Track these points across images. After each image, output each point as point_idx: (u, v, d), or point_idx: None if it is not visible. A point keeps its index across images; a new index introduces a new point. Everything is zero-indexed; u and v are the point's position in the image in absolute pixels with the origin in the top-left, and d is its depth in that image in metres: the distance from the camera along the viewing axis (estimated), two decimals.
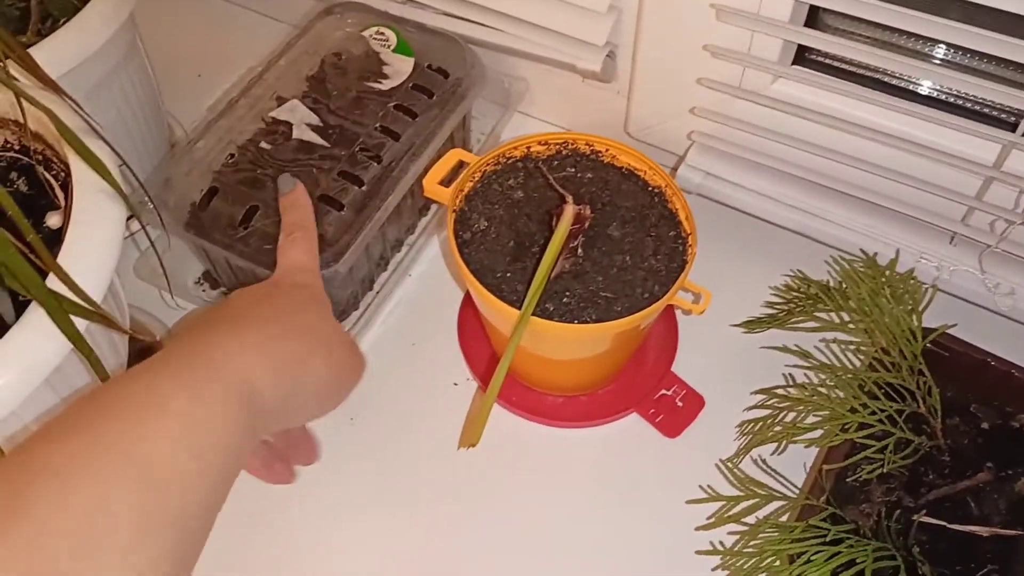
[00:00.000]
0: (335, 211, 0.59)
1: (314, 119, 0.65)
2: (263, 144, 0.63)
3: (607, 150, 0.57)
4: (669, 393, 0.61)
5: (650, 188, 0.56)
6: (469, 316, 0.65)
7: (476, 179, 0.56)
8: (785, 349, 0.56)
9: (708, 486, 0.54)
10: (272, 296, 0.44)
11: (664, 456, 0.58)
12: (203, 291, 0.67)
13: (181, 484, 0.30)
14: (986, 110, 0.59)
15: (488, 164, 0.57)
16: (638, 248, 0.53)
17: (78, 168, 0.46)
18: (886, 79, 0.60)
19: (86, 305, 0.41)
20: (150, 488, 0.29)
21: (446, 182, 0.57)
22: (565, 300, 0.51)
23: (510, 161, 0.57)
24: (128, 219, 0.53)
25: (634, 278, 0.52)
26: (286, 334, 0.39)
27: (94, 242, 0.44)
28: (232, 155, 0.63)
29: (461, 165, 0.58)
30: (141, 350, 0.64)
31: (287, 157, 0.62)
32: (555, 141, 0.58)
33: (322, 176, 0.61)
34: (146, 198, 0.57)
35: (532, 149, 0.58)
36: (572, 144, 0.58)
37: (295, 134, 0.64)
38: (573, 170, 0.57)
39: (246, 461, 0.38)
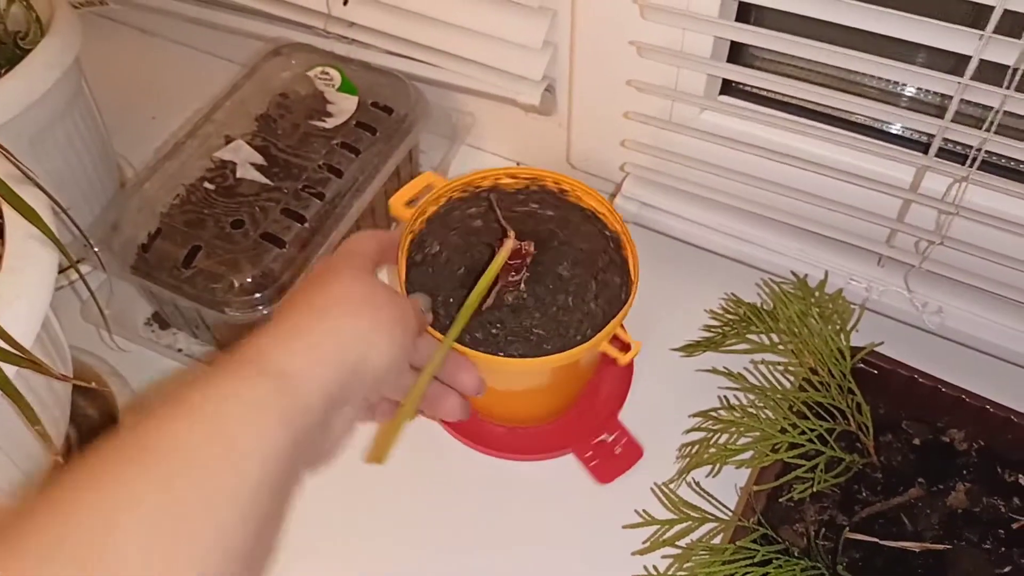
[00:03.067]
0: (277, 248, 0.60)
1: (258, 158, 0.66)
2: (207, 184, 0.64)
3: (573, 190, 0.57)
4: (610, 440, 0.60)
5: (607, 233, 0.56)
6: None
7: (440, 204, 0.57)
8: (716, 371, 0.57)
9: (644, 510, 0.54)
10: (306, 286, 0.43)
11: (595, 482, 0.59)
12: (152, 331, 0.68)
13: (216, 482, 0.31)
14: (905, 133, 0.61)
15: (455, 190, 0.57)
16: (581, 290, 0.54)
17: (11, 215, 0.47)
18: (810, 106, 0.62)
19: (14, 351, 0.42)
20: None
21: (414, 204, 0.57)
22: (494, 332, 0.52)
23: (477, 190, 0.58)
24: (70, 266, 0.54)
25: (570, 319, 0.52)
26: (310, 321, 0.39)
27: (24, 289, 0.45)
28: (179, 195, 0.64)
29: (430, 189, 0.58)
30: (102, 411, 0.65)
31: (231, 197, 0.63)
32: (524, 175, 0.58)
33: (265, 214, 0.62)
34: (87, 243, 0.58)
35: (501, 181, 0.58)
36: (540, 181, 0.58)
37: (239, 173, 0.65)
38: (536, 206, 0.58)
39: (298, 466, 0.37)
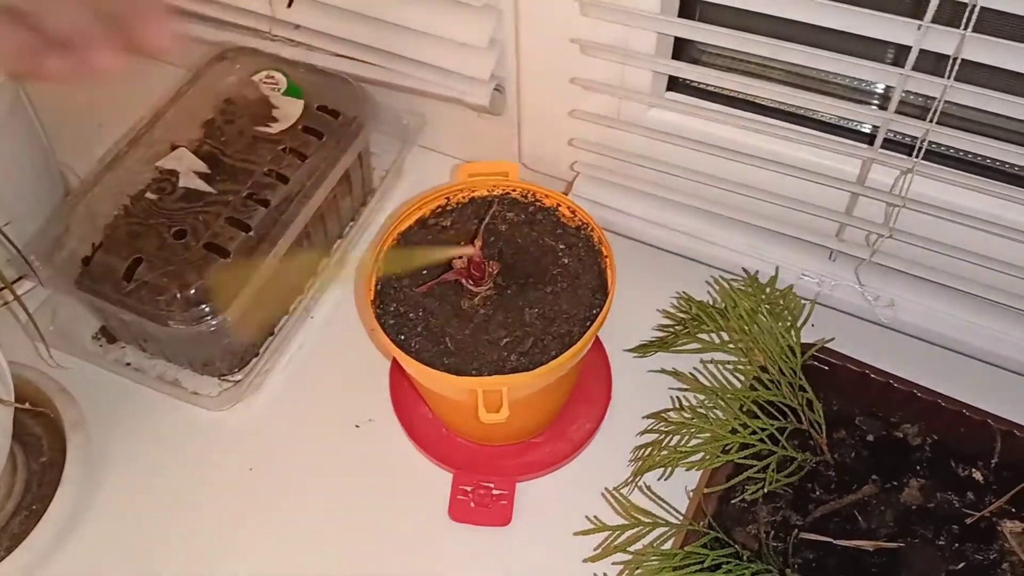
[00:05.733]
0: (222, 259, 0.59)
1: (202, 166, 0.64)
2: (149, 195, 0.63)
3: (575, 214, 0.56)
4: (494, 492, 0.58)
5: (595, 279, 0.53)
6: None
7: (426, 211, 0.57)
8: (664, 372, 0.56)
9: (595, 516, 0.53)
10: None
11: (555, 486, 0.58)
12: (100, 346, 0.66)
13: None
14: (850, 126, 0.60)
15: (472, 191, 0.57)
16: (525, 322, 0.51)
17: None
18: (756, 100, 0.61)
19: None
20: None
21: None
22: (416, 328, 0.51)
23: (482, 199, 0.57)
24: (14, 282, 0.53)
25: (500, 354, 0.49)
26: None
27: None
28: (124, 206, 0.62)
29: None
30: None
31: (174, 207, 0.62)
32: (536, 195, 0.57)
33: (208, 224, 0.61)
34: (24, 259, 0.56)
35: (507, 193, 0.57)
36: (545, 198, 0.56)
37: (181, 182, 0.63)
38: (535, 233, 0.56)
39: None
